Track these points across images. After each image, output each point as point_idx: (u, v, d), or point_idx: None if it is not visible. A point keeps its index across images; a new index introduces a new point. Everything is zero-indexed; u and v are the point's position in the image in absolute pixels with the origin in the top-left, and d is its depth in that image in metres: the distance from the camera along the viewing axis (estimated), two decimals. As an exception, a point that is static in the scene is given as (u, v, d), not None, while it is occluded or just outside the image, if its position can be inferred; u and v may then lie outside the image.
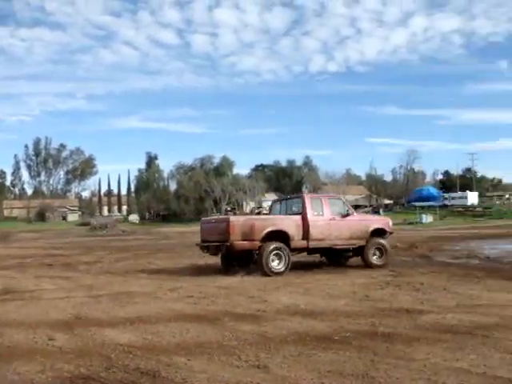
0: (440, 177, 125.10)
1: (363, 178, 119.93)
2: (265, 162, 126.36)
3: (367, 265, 14.74)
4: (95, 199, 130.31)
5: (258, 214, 58.67)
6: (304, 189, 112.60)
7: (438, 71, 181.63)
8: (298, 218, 14.23)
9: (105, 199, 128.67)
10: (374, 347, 6.43)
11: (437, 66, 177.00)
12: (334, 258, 15.85)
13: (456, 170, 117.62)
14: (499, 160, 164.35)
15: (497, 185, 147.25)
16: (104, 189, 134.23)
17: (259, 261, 13.47)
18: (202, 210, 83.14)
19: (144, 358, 6.00)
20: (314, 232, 14.08)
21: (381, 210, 79.24)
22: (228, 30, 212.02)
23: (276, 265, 13.45)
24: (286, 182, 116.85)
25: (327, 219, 14.40)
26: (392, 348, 6.40)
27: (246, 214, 74.51)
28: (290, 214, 14.91)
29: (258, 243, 13.44)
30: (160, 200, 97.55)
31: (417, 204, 79.40)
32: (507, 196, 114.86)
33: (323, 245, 14.49)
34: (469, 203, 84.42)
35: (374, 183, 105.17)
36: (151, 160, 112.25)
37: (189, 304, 9.76)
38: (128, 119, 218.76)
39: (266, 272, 13.25)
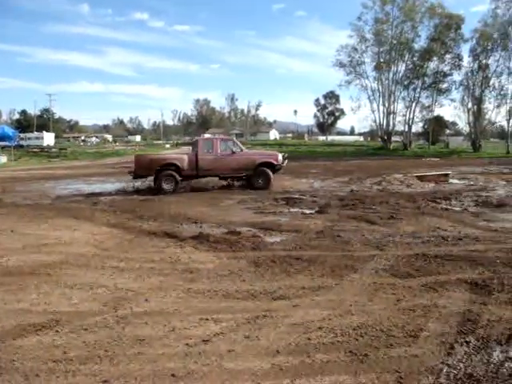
0: (17, 116, 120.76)
1: None
2: None
3: (253, 188, 18.67)
4: None
5: None
6: None
7: (21, 5, 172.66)
8: (191, 154, 19.23)
9: None
10: None
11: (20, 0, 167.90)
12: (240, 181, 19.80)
13: (34, 110, 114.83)
14: (77, 102, 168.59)
15: (74, 126, 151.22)
16: None
17: (155, 183, 18.40)
18: None
19: None
20: (202, 164, 18.64)
21: None
22: None
23: (167, 187, 18.10)
24: None
25: (215, 155, 18.77)
26: None
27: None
28: (193, 151, 19.36)
29: (153, 172, 18.39)
30: None
31: (-9, 144, 74.76)
32: (83, 137, 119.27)
33: (211, 174, 19.28)
34: (45, 144, 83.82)
35: None
36: None
37: None
38: None
39: (160, 190, 17.92)
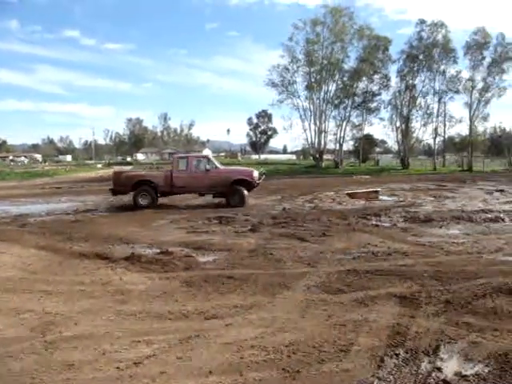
0: None
1: None
2: None
3: (229, 205, 18.88)
4: None
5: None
6: None
7: None
8: (166, 171, 19.93)
9: None
10: None
11: None
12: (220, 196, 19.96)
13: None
14: (5, 120, 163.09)
15: (1, 145, 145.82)
16: None
17: (133, 198, 19.18)
18: None
19: None
20: (176, 182, 19.28)
21: None
22: None
23: (143, 202, 18.97)
24: None
25: (189, 172, 19.34)
26: None
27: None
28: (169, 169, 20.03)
29: (129, 188, 19.33)
30: None
31: None
32: (11, 157, 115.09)
33: (185, 190, 19.87)
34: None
35: None
36: None
37: None
38: None
39: (136, 205, 18.86)
